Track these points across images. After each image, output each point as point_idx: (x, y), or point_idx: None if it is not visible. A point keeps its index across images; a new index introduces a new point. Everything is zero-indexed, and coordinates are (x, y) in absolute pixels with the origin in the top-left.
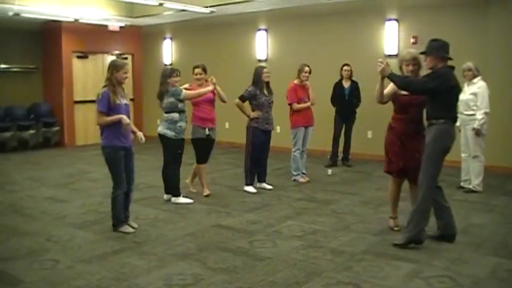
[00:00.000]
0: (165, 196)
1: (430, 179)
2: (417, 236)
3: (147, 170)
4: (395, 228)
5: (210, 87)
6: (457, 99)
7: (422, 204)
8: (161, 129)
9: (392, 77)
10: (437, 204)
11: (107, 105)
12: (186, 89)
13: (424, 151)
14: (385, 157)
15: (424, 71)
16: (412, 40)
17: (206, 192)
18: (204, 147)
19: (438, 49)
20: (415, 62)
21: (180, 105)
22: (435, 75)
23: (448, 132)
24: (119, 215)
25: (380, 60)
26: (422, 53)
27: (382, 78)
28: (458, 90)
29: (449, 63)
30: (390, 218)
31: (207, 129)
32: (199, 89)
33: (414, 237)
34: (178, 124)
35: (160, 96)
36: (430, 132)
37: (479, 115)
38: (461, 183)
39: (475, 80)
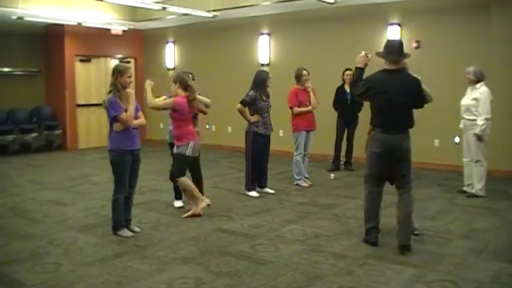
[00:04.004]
0: (176, 203)
1: (365, 181)
2: (365, 235)
3: (150, 174)
4: None
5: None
6: (392, 105)
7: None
8: (168, 138)
9: (356, 71)
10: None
11: (119, 107)
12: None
13: None
14: None
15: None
16: (414, 44)
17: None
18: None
19: (383, 50)
20: None
21: None
22: (363, 82)
23: (376, 140)
24: (119, 219)
25: (365, 53)
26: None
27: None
28: (390, 95)
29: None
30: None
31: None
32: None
33: (364, 237)
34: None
35: None
36: None
37: (480, 121)
38: (464, 188)
39: (477, 86)
